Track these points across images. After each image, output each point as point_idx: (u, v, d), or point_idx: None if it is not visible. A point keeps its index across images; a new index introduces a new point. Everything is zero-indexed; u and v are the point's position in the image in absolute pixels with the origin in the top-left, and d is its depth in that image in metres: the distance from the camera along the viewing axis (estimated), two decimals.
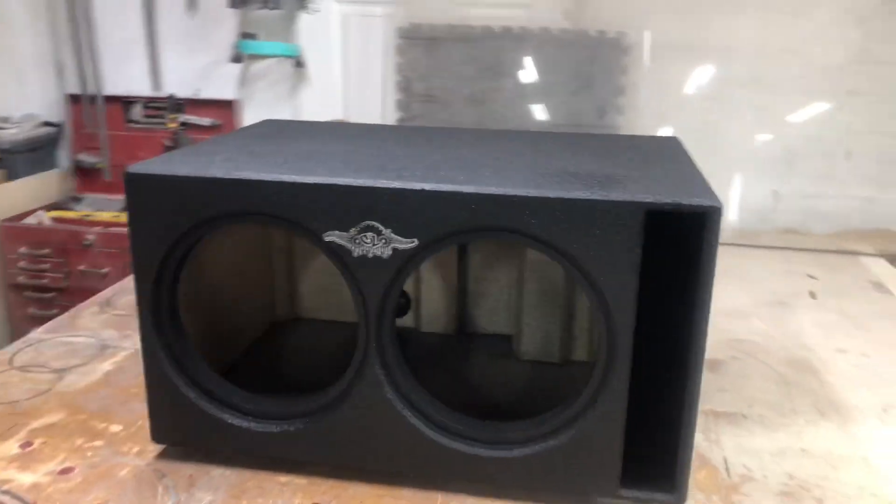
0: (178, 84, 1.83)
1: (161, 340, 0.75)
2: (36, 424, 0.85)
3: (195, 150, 0.79)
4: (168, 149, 1.88)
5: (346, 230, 0.68)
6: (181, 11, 1.78)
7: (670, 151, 0.85)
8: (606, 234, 0.64)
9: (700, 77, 1.58)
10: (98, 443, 0.81)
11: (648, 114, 1.59)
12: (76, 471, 0.76)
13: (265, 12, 1.68)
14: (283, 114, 1.81)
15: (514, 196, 0.64)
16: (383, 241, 0.67)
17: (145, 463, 0.78)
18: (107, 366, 0.99)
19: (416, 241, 0.67)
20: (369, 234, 0.67)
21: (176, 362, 0.75)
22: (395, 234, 0.67)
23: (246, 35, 1.72)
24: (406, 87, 1.66)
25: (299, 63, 1.71)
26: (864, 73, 1.53)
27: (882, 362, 1.05)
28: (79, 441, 0.82)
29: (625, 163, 0.76)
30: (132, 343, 1.06)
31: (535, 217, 0.64)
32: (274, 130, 0.93)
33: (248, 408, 0.76)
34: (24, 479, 0.75)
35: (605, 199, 0.63)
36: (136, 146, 1.94)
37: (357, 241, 0.68)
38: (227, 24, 1.77)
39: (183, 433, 0.77)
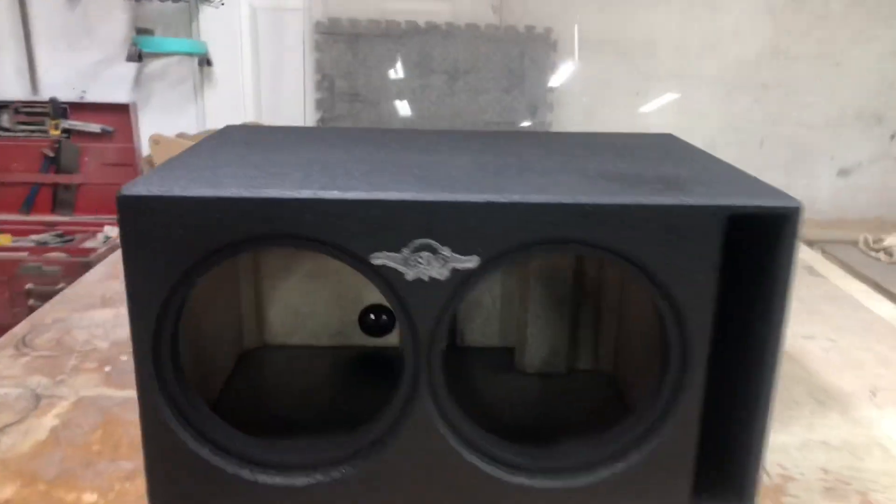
0: (58, 86, 1.62)
1: (163, 392, 0.63)
2: None
3: (181, 165, 0.67)
4: (50, 160, 1.66)
5: (398, 251, 0.59)
6: (60, 2, 1.58)
7: (686, 150, 0.82)
8: (684, 241, 0.60)
9: (624, 72, 1.60)
10: None
11: (577, 110, 1.59)
12: None
13: (161, 5, 1.52)
14: (187, 118, 1.65)
15: (589, 205, 0.59)
16: (441, 260, 0.60)
17: None
18: (50, 420, 0.84)
19: (477, 260, 0.60)
20: (424, 254, 0.59)
21: (181, 415, 0.64)
22: (455, 252, 0.59)
23: (141, 31, 1.55)
24: (329, 86, 1.56)
25: (207, 62, 1.56)
26: (775, 67, 1.60)
27: (850, 346, 1.09)
28: None
29: (661, 164, 0.73)
30: (70, 390, 0.90)
31: (607, 226, 0.59)
32: (251, 137, 0.82)
33: (268, 459, 0.66)
34: None
35: (687, 204, 0.59)
36: (9, 157, 1.69)
37: (411, 262, 0.60)
38: (115, 18, 1.58)
39: (194, 498, 0.66)
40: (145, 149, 1.65)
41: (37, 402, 0.88)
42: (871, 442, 0.84)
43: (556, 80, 1.54)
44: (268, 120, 1.66)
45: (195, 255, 0.59)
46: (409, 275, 0.60)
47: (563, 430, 0.77)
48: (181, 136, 1.62)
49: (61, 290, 1.45)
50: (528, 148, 0.81)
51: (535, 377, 0.90)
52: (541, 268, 0.87)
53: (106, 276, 1.29)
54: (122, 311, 1.12)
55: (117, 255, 1.40)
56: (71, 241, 1.59)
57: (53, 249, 1.51)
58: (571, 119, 1.58)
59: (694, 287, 0.61)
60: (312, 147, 0.77)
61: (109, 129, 1.63)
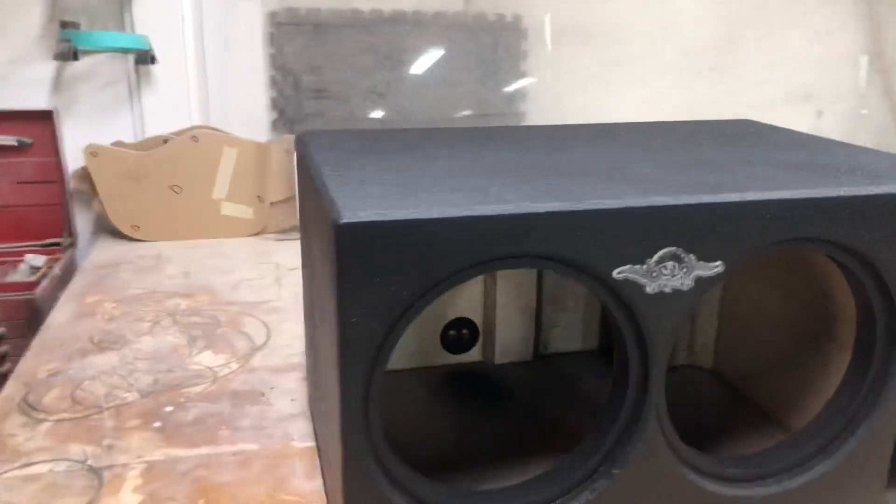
0: None
1: (376, 459, 0.53)
2: None
3: (353, 184, 0.56)
4: None
5: (642, 262, 0.54)
6: None
7: (792, 133, 0.82)
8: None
9: (591, 59, 1.60)
10: None
11: (550, 99, 1.57)
12: None
13: None
14: (121, 124, 1.45)
15: (824, 199, 0.56)
16: (685, 269, 0.54)
17: None
18: (131, 497, 0.70)
19: (721, 266, 0.55)
20: (669, 264, 0.54)
21: (392, 482, 0.55)
22: (699, 259, 0.55)
23: (66, 24, 1.34)
24: (294, 83, 1.43)
25: (150, 58, 1.38)
26: (725, 49, 1.66)
27: None
28: None
29: (818, 152, 0.71)
30: (130, 456, 0.76)
31: (844, 219, 0.57)
32: (351, 145, 0.71)
33: None
34: None
35: None
36: None
37: (654, 274, 0.54)
38: (26, 10, 1.36)
39: None
40: (72, 162, 1.44)
41: (97, 476, 0.73)
42: None
43: (528, 69, 1.51)
44: (218, 123, 1.50)
45: (427, 283, 0.50)
46: (650, 287, 0.54)
47: (722, 429, 0.74)
48: (118, 144, 1.43)
49: (2, 335, 1.23)
50: (656, 139, 0.77)
51: None
52: None
53: (76, 315, 1.10)
54: (128, 353, 0.97)
55: (76, 287, 1.21)
56: None
57: None
58: (545, 109, 1.55)
59: None
60: (437, 154, 0.68)
61: (27, 140, 1.40)
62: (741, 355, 0.84)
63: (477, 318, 0.89)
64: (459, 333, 0.89)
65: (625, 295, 0.54)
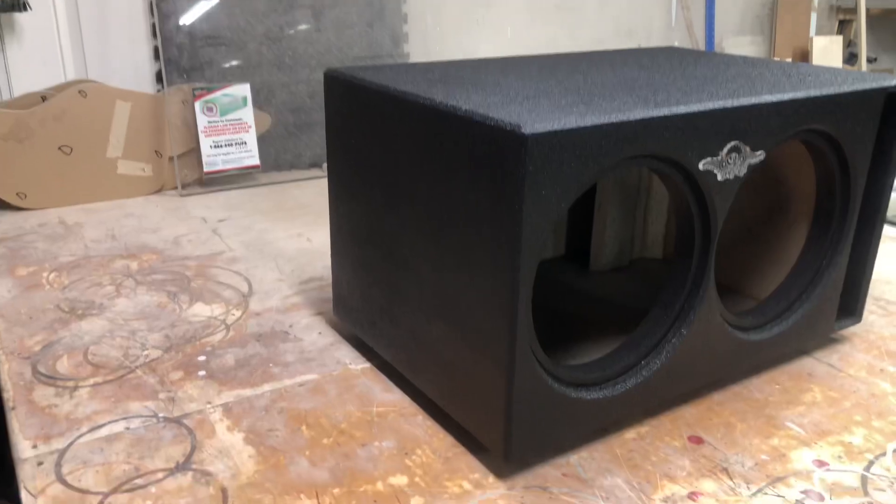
0: None
1: (530, 342, 0.62)
2: None
3: (487, 106, 0.62)
4: None
5: (717, 154, 0.66)
6: None
7: (710, 55, 0.99)
8: (863, 116, 0.77)
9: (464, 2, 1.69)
10: (417, 500, 0.63)
11: (431, 39, 1.64)
12: None
13: None
14: None
15: (833, 95, 0.72)
16: (741, 159, 0.68)
17: (506, 488, 0.64)
18: (232, 436, 0.71)
19: (762, 154, 0.70)
20: (733, 155, 0.68)
21: (539, 360, 0.63)
22: (751, 150, 0.69)
23: None
24: (189, 31, 1.36)
25: (22, 5, 1.23)
26: None
27: None
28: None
29: (756, 67, 0.88)
30: (201, 404, 0.76)
31: (828, 112, 0.74)
32: (428, 77, 0.76)
33: (597, 378, 0.69)
34: None
35: (868, 88, 0.76)
36: None
37: (724, 163, 0.67)
38: None
39: (550, 435, 0.65)
40: None
41: (180, 425, 0.72)
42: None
43: (408, 12, 1.57)
44: (96, 76, 1.37)
45: (579, 183, 0.59)
46: (720, 175, 0.68)
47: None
48: None
49: None
50: (650, 63, 0.89)
51: (609, 273, 1.01)
52: (615, 178, 0.97)
53: (20, 287, 1.01)
54: (114, 317, 0.93)
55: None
56: None
57: None
58: (426, 49, 1.62)
59: (863, 152, 0.79)
60: (509, 82, 0.75)
61: None
62: None
63: None
64: None
65: (703, 183, 0.67)
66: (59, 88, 1.30)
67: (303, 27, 1.44)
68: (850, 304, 0.89)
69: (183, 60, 1.37)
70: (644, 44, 2.03)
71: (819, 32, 2.30)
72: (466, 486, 0.65)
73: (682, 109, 0.63)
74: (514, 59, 0.90)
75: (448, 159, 0.63)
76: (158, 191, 1.40)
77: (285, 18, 1.42)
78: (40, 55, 1.31)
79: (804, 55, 2.23)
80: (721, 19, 2.11)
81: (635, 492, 0.64)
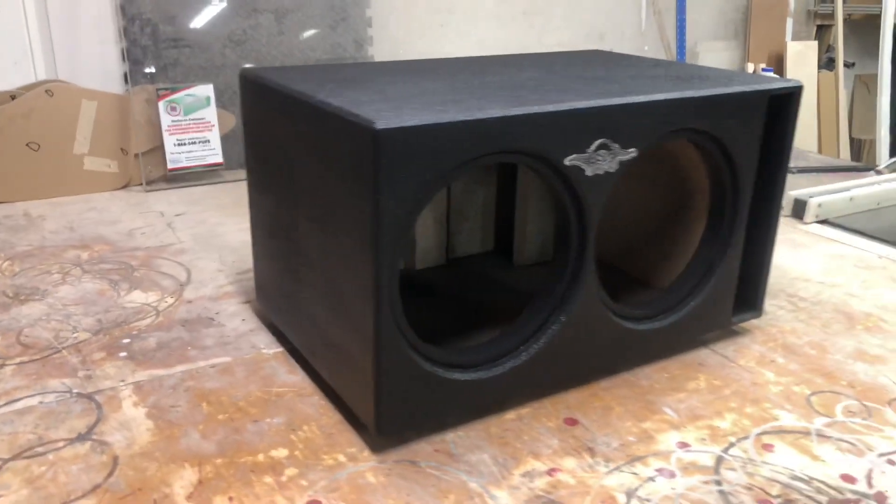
0: None
1: (395, 318, 0.66)
2: (181, 491, 0.64)
3: (366, 101, 0.67)
4: None
5: (584, 151, 0.70)
6: None
7: (626, 57, 1.03)
8: (746, 117, 0.81)
9: (426, 6, 1.74)
10: (290, 471, 0.67)
11: (393, 43, 1.69)
12: (324, 502, 0.64)
13: None
14: None
15: (710, 97, 0.76)
16: (612, 155, 0.72)
17: (377, 462, 0.69)
18: (135, 411, 0.76)
19: (635, 151, 0.74)
20: (602, 152, 0.72)
21: (406, 338, 0.68)
22: (622, 147, 0.73)
23: None
24: (152, 32, 1.42)
25: None
26: None
27: None
28: (266, 479, 0.66)
29: (676, 68, 0.92)
30: (115, 382, 0.81)
31: (709, 113, 0.78)
32: (324, 76, 0.80)
33: (471, 361, 0.73)
34: None
35: (750, 90, 0.80)
36: None
37: (592, 160, 0.71)
38: None
39: (422, 412, 0.70)
40: None
41: (91, 400, 0.77)
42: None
43: (372, 16, 1.62)
44: (66, 77, 1.44)
45: (440, 175, 0.63)
46: (589, 171, 0.72)
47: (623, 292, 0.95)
48: None
49: None
50: (557, 65, 0.93)
51: (532, 267, 1.05)
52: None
53: None
54: (54, 302, 0.99)
55: None
56: None
57: None
58: (390, 54, 1.67)
59: (749, 152, 0.83)
60: (398, 81, 0.80)
61: None
62: (616, 239, 1.06)
63: None
64: None
65: (571, 178, 0.71)
66: (28, 88, 1.37)
67: (265, 30, 1.49)
68: (750, 298, 0.93)
69: (146, 61, 1.43)
70: (616, 48, 2.06)
71: (797, 38, 2.32)
72: (341, 458, 0.69)
73: (546, 108, 0.67)
74: (436, 61, 0.95)
75: (325, 154, 0.68)
76: (125, 186, 1.46)
77: (248, 21, 1.48)
78: (11, 55, 1.38)
79: (779, 60, 2.25)
80: (694, 24, 2.15)
81: (498, 467, 0.68)
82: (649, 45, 2.09)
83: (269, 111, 0.80)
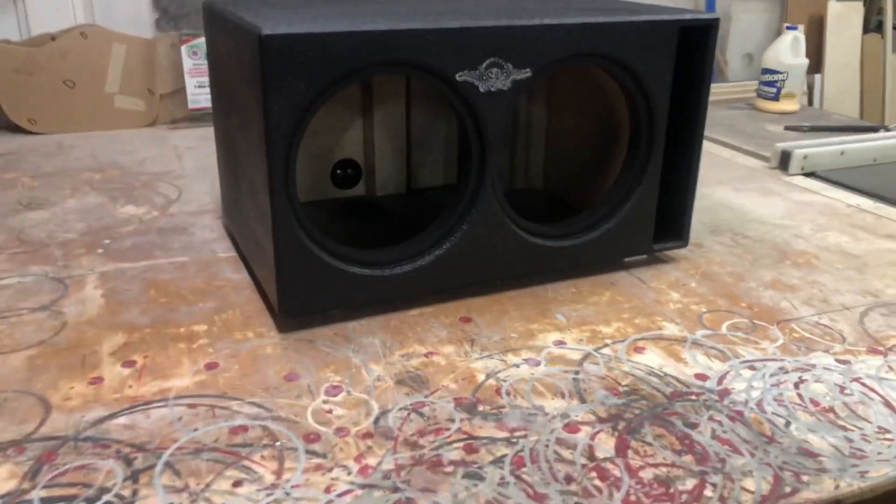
0: None
1: (294, 211, 0.75)
2: (107, 349, 0.76)
3: (271, 15, 0.76)
4: None
5: (476, 68, 0.77)
6: None
7: None
8: (657, 47, 0.85)
9: None
10: (203, 341, 0.78)
11: None
12: (222, 363, 0.74)
13: None
14: (6, 24, 1.53)
15: (609, 23, 0.81)
16: (505, 74, 0.79)
17: (279, 339, 0.78)
18: (94, 292, 0.88)
19: (529, 72, 0.80)
20: (494, 70, 0.78)
21: (304, 230, 0.76)
22: (515, 67, 0.79)
23: None
24: None
25: None
26: None
27: None
28: (180, 345, 0.77)
29: (590, 1, 0.97)
30: (84, 270, 0.93)
31: (615, 40, 0.82)
32: (257, 4, 0.90)
33: (374, 259, 0.81)
34: (178, 383, 0.70)
35: (659, 19, 0.84)
36: None
37: (484, 77, 0.78)
38: None
39: (320, 298, 0.79)
40: None
41: (61, 283, 0.90)
42: (718, 205, 1.20)
43: None
44: (102, 22, 1.59)
45: (326, 84, 0.71)
46: (482, 87, 0.78)
47: (547, 221, 1.01)
48: (5, 42, 1.51)
49: None
50: None
51: None
52: None
53: (2, 187, 1.23)
54: (58, 210, 1.12)
55: None
56: None
57: None
58: None
59: (662, 83, 0.87)
60: (334, 4, 0.88)
61: None
62: (562, 173, 1.11)
63: (359, 159, 1.11)
64: (346, 172, 1.11)
65: (465, 93, 0.78)
66: (67, 31, 1.52)
67: None
68: (675, 228, 0.97)
69: (171, 9, 1.56)
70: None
71: None
72: (249, 335, 0.79)
73: (432, 25, 0.74)
74: None
75: (238, 64, 0.77)
76: (152, 124, 1.61)
77: None
78: (54, 2, 1.53)
79: (820, 22, 2.19)
80: None
81: (384, 349, 0.77)
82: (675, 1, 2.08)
83: (216, 36, 0.89)
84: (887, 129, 1.58)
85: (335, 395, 0.69)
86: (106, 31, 1.52)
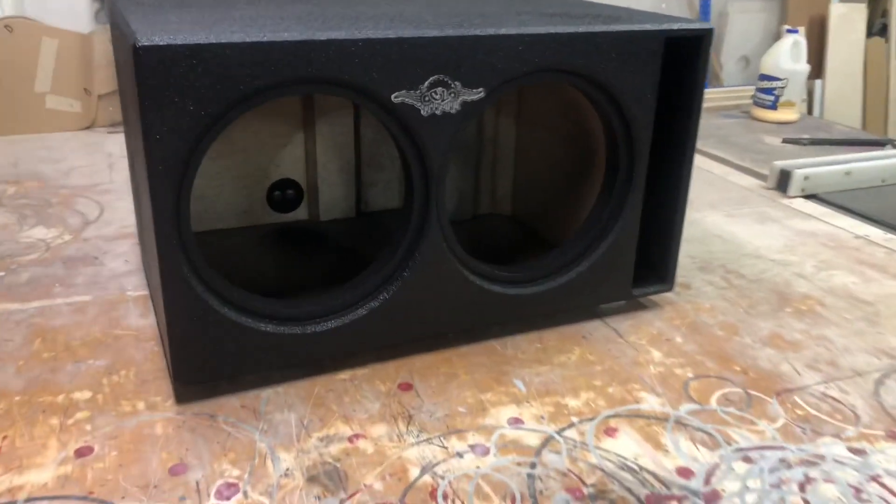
0: None
1: (187, 259, 0.61)
2: None
3: (160, 20, 0.62)
4: None
5: (416, 88, 0.63)
6: None
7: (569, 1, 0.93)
8: (636, 61, 0.71)
9: None
10: (81, 414, 0.64)
11: None
12: (97, 448, 0.60)
13: None
14: None
15: (570, 34, 0.67)
16: (452, 95, 0.65)
17: (174, 413, 0.64)
18: None
19: (483, 92, 0.66)
20: (439, 90, 0.64)
21: (202, 281, 0.62)
22: (464, 86, 0.65)
23: None
24: None
25: None
26: None
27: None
28: (52, 421, 0.63)
29: (582, 7, 0.83)
30: None
31: (582, 53, 0.68)
32: (167, 3, 0.76)
33: (291, 314, 0.67)
34: (35, 477, 0.56)
35: (640, 29, 0.70)
36: None
37: (426, 98, 0.64)
38: None
39: (224, 363, 0.65)
40: None
41: None
42: (709, 234, 1.06)
43: None
44: (34, 14, 1.44)
45: (223, 105, 0.57)
46: (424, 110, 0.64)
47: (513, 257, 0.87)
48: None
49: None
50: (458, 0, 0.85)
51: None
52: None
53: None
54: None
55: None
56: None
57: None
58: None
59: (643, 103, 0.73)
60: (255, 5, 0.74)
61: None
62: (532, 197, 0.97)
63: (300, 179, 0.96)
64: (284, 194, 0.97)
65: (403, 117, 0.64)
66: None
67: None
68: (660, 269, 0.83)
69: (93, 2, 1.40)
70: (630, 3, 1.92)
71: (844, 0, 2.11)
72: (140, 406, 0.65)
73: (357, 35, 0.60)
74: None
75: (126, 76, 0.63)
76: (89, 127, 1.46)
77: None
78: None
79: (821, 24, 2.05)
80: None
81: (299, 428, 0.63)
82: (667, 3, 1.94)
83: (116, 37, 0.75)
84: (894, 146, 1.45)
85: (228, 498, 0.55)
86: (35, 24, 1.37)
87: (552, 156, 0.91)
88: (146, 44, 0.54)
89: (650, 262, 0.83)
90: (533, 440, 0.62)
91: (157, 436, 0.61)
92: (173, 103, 0.56)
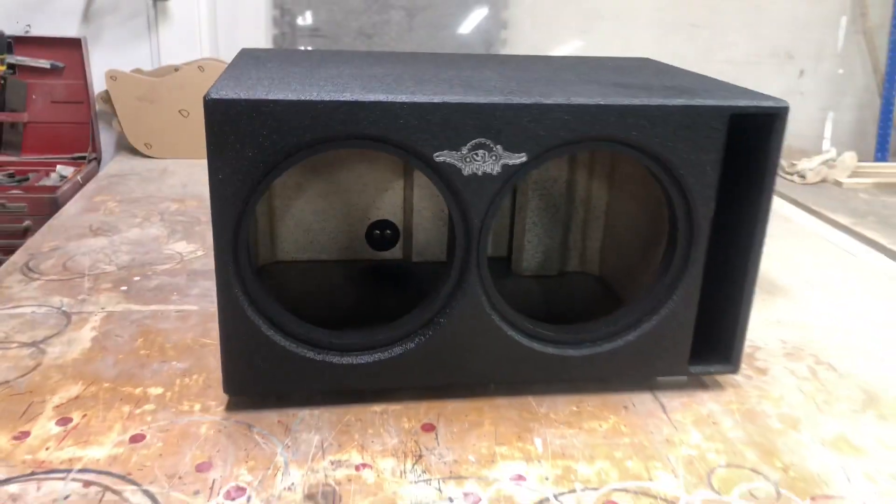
0: None
1: (241, 284, 0.69)
2: (56, 400, 0.74)
3: (244, 76, 0.72)
4: None
5: (458, 149, 0.67)
6: None
7: (668, 68, 0.93)
8: (698, 136, 0.70)
9: (571, 11, 1.70)
10: (149, 407, 0.74)
11: (528, 47, 1.68)
12: (149, 437, 0.69)
13: None
14: (140, 54, 1.64)
15: (625, 105, 0.68)
16: (494, 157, 0.68)
17: (220, 418, 0.73)
18: (88, 332, 0.88)
19: (525, 156, 0.69)
20: (480, 152, 0.68)
21: (254, 305, 0.71)
22: (506, 150, 0.68)
23: None
24: (290, 21, 1.58)
25: None
26: (704, 6, 1.74)
27: (781, 248, 1.25)
28: (125, 408, 0.73)
29: (659, 77, 0.83)
30: (95, 307, 0.94)
31: (637, 125, 0.69)
32: (277, 57, 0.87)
33: (332, 343, 0.74)
34: (93, 453, 0.66)
35: (703, 104, 0.70)
36: None
37: (468, 159, 0.68)
38: None
39: (267, 380, 0.73)
40: (99, 85, 1.63)
41: (67, 318, 0.91)
42: (818, 321, 0.99)
43: (508, 18, 1.63)
44: (225, 56, 1.66)
45: (278, 154, 0.65)
46: (466, 170, 0.68)
47: (573, 317, 0.88)
48: (136, 72, 1.61)
49: (27, 227, 1.44)
50: (536, 65, 0.90)
51: (530, 279, 1.01)
52: (536, 178, 0.97)
53: (84, 209, 1.30)
54: (117, 239, 1.15)
55: (89, 189, 1.41)
56: (26, 180, 1.56)
57: (13, 188, 1.49)
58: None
59: (703, 178, 0.72)
60: (347, 65, 0.83)
61: (59, 64, 1.59)
62: (618, 260, 0.97)
63: (398, 221, 1.04)
64: (383, 233, 1.04)
65: (446, 176, 0.68)
66: (188, 63, 1.59)
67: (396, 26, 1.58)
68: (724, 349, 0.80)
69: (284, 45, 1.58)
70: (809, 71, 1.83)
71: None
72: (196, 407, 0.74)
73: (410, 98, 0.66)
74: (421, 54, 0.95)
75: None
76: None
77: (379, 17, 1.57)
78: (184, 36, 1.61)
79: None
80: None
81: (317, 449, 0.68)
82: (847, 67, 1.81)
83: None
84: None
85: (234, 500, 0.62)
86: (222, 65, 1.58)
87: (638, 220, 0.91)
88: (215, 97, 0.63)
89: (714, 340, 0.81)
90: (527, 499, 0.63)
91: (199, 435, 0.70)
92: (235, 149, 0.64)
